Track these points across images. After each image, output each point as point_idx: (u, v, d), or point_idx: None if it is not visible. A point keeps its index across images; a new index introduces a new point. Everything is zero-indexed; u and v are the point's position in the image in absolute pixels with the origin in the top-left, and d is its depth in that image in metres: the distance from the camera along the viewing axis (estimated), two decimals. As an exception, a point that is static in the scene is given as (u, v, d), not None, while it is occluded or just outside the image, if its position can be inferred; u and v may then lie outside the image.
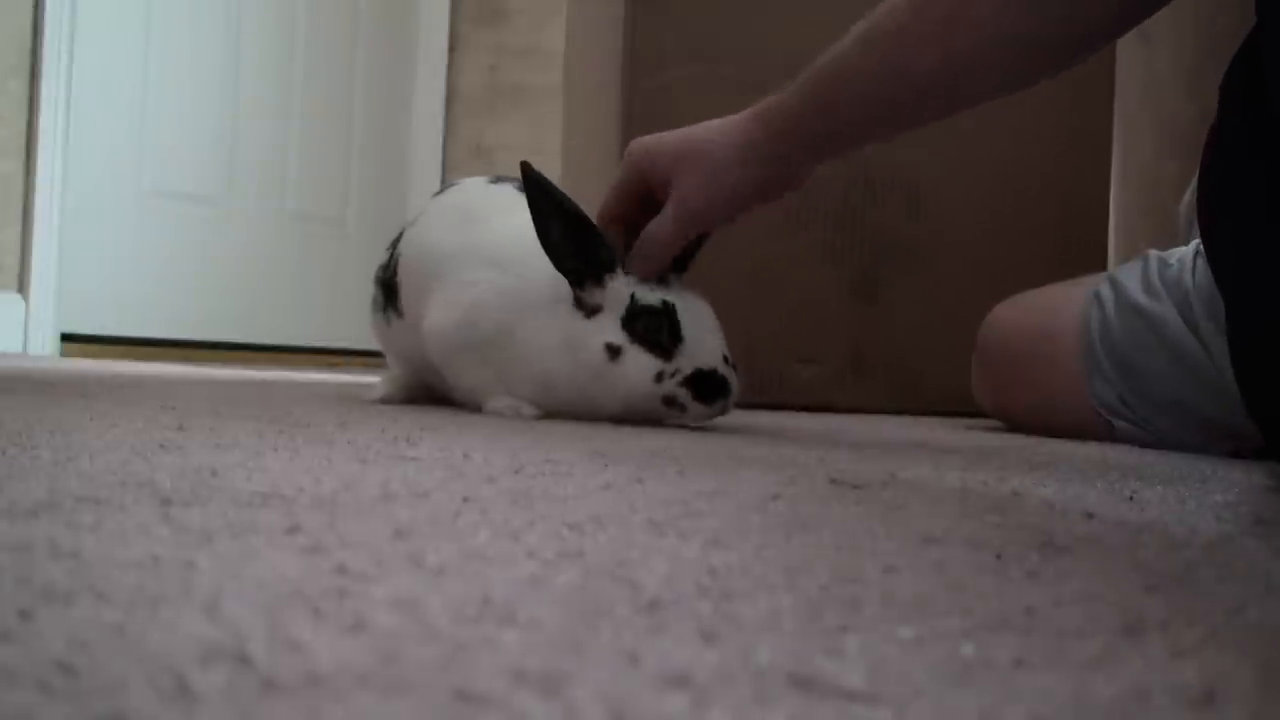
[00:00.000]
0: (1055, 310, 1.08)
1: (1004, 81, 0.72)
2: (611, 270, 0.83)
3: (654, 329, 0.81)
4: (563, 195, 0.83)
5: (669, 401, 0.82)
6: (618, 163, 1.47)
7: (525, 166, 0.83)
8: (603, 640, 0.22)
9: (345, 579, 0.26)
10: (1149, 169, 1.67)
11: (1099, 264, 1.47)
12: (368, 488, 0.41)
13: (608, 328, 0.82)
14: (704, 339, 0.82)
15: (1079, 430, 1.01)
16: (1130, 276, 1.01)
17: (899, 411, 1.44)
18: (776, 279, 1.43)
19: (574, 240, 0.82)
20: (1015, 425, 1.13)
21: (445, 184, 1.12)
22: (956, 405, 1.28)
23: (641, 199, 0.82)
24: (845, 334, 1.48)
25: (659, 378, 0.81)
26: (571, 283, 0.83)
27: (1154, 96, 1.64)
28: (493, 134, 2.91)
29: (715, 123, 0.80)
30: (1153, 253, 1.02)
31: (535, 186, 0.82)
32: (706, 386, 0.81)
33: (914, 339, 1.48)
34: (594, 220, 0.83)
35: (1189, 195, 1.04)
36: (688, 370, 0.81)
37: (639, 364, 0.81)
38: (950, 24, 0.68)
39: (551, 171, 1.98)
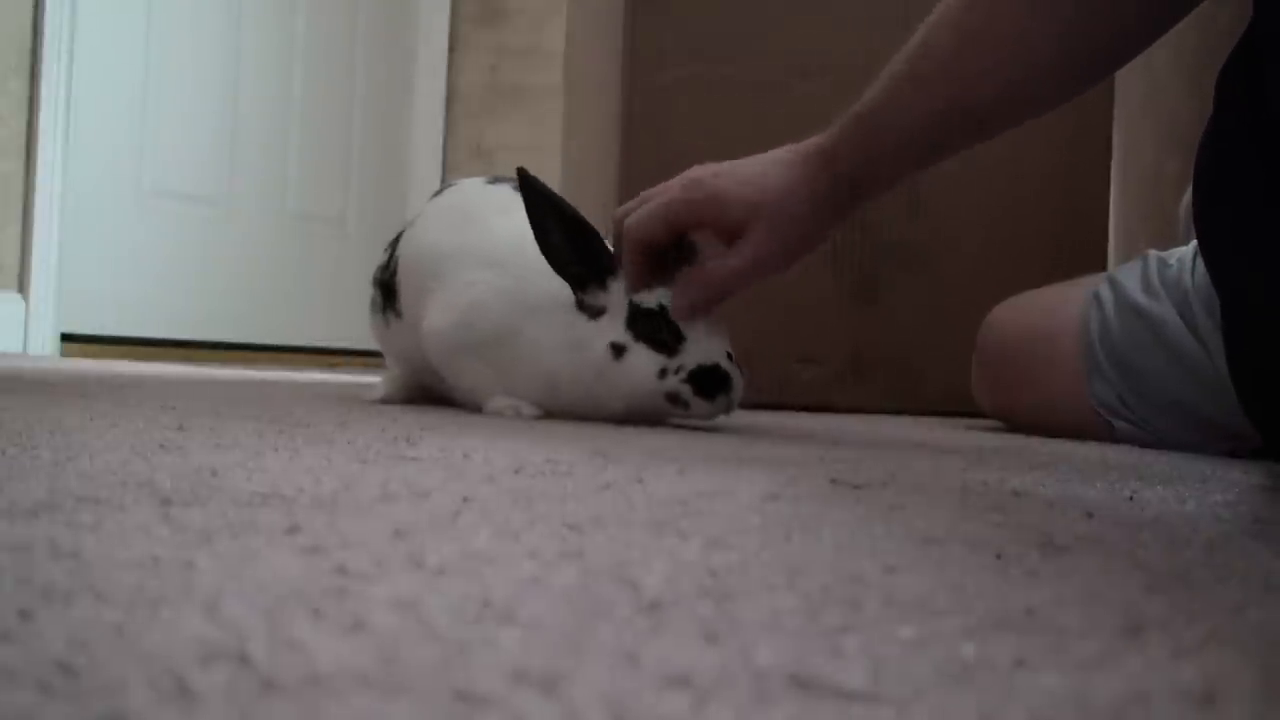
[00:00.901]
0: (1054, 311, 1.08)
1: (1059, 97, 0.74)
2: (613, 273, 0.83)
3: (656, 328, 0.82)
4: (560, 199, 0.82)
5: (672, 398, 0.82)
6: (618, 162, 1.48)
7: (522, 172, 0.83)
8: (603, 640, 0.22)
9: (345, 579, 0.26)
10: (1149, 169, 1.67)
11: (1098, 264, 1.47)
12: (368, 488, 0.40)
13: (612, 328, 0.82)
14: (706, 337, 0.82)
15: (1078, 430, 1.01)
16: (1129, 277, 1.01)
17: (899, 412, 1.44)
18: (776, 279, 1.43)
19: (574, 245, 0.82)
20: (1015, 426, 1.13)
21: (443, 185, 1.12)
22: (957, 405, 1.28)
23: (678, 233, 0.81)
24: (845, 334, 1.48)
25: (662, 374, 0.81)
26: (574, 287, 0.83)
27: (1154, 97, 1.63)
28: (493, 134, 2.91)
29: (773, 167, 0.78)
30: (1152, 253, 1.02)
31: (533, 192, 0.81)
32: (709, 382, 0.81)
33: (914, 339, 1.48)
34: (599, 228, 0.83)
35: (1188, 195, 1.04)
36: (690, 366, 0.81)
37: (642, 361, 0.82)
38: (1008, 53, 0.69)
39: (552, 171, 1.98)
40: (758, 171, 0.79)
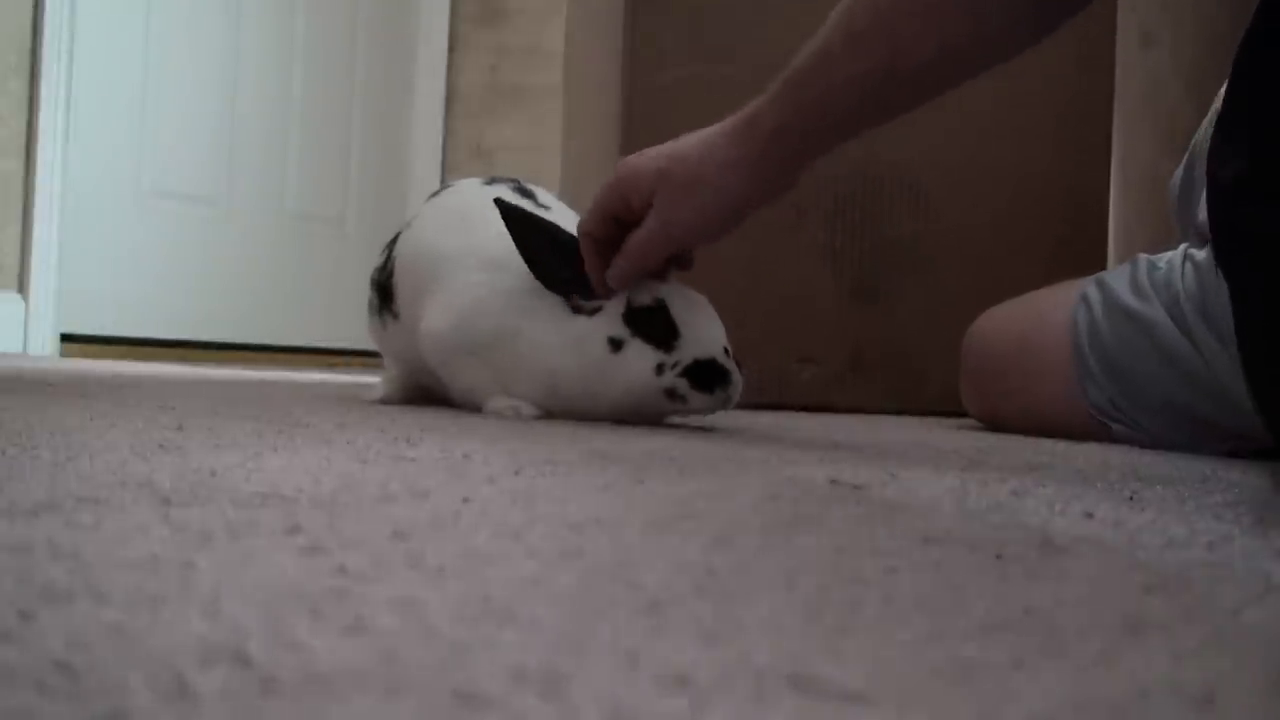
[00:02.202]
0: (1041, 316, 1.08)
1: (994, 58, 0.71)
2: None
3: (652, 324, 0.82)
4: (541, 220, 0.85)
5: (670, 394, 0.82)
6: (617, 162, 1.47)
7: (500, 203, 0.85)
8: (603, 640, 0.22)
9: (345, 579, 0.26)
10: (1149, 169, 1.67)
11: (1099, 264, 1.47)
12: (367, 488, 0.40)
13: (609, 323, 0.83)
14: (702, 331, 0.82)
15: (1070, 436, 1.01)
16: (1118, 279, 1.01)
17: (899, 412, 1.44)
18: (776, 278, 1.43)
19: (560, 258, 0.84)
20: (1000, 430, 1.13)
21: (441, 186, 1.12)
22: (957, 406, 1.28)
23: (618, 218, 0.81)
24: (845, 334, 1.48)
25: (659, 370, 0.82)
26: (565, 295, 0.84)
27: (1154, 97, 1.64)
28: (493, 134, 2.91)
29: (699, 136, 0.78)
30: (1141, 256, 1.02)
31: (514, 220, 0.84)
32: (706, 375, 0.81)
33: (914, 339, 1.48)
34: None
35: (1180, 171, 1.04)
36: (687, 361, 0.81)
37: (640, 356, 0.82)
38: (941, 16, 0.67)
39: (551, 171, 1.97)
40: (678, 144, 0.79)
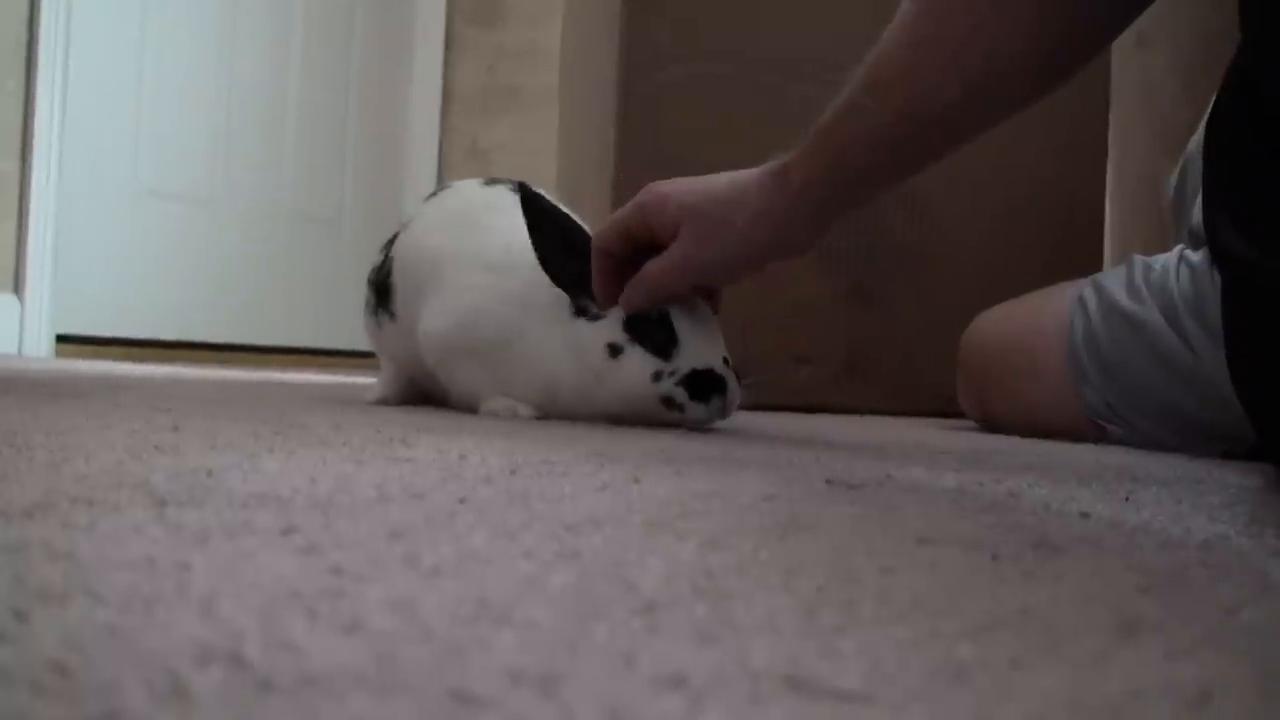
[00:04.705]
0: (1037, 318, 1.08)
1: (1022, 100, 0.71)
2: None
3: (652, 332, 0.82)
4: (558, 211, 0.85)
5: (667, 402, 0.82)
6: (614, 163, 1.47)
7: (524, 189, 0.84)
8: (599, 641, 0.22)
9: (341, 579, 0.26)
10: (1145, 171, 1.67)
11: (1095, 266, 1.47)
12: (363, 489, 0.40)
13: (610, 329, 0.83)
14: (701, 341, 0.83)
15: (1065, 437, 1.01)
16: (1114, 281, 1.01)
17: (895, 413, 1.44)
18: (772, 279, 1.43)
19: (571, 253, 0.83)
20: (997, 431, 1.13)
21: (439, 186, 1.12)
22: (953, 407, 1.28)
23: (636, 240, 0.81)
24: (841, 335, 1.48)
25: (657, 377, 0.82)
26: (570, 293, 0.84)
27: (1150, 99, 1.64)
28: (489, 134, 2.91)
29: (731, 180, 0.78)
30: (1137, 257, 1.02)
31: (532, 210, 0.83)
32: (702, 386, 0.81)
33: (910, 340, 1.48)
34: (596, 229, 0.84)
35: (1175, 173, 1.04)
36: (685, 370, 0.81)
37: (638, 363, 0.82)
38: (962, 58, 0.67)
39: (547, 172, 1.97)
40: (711, 181, 0.79)
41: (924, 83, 0.68)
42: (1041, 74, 0.69)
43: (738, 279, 0.82)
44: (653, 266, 0.80)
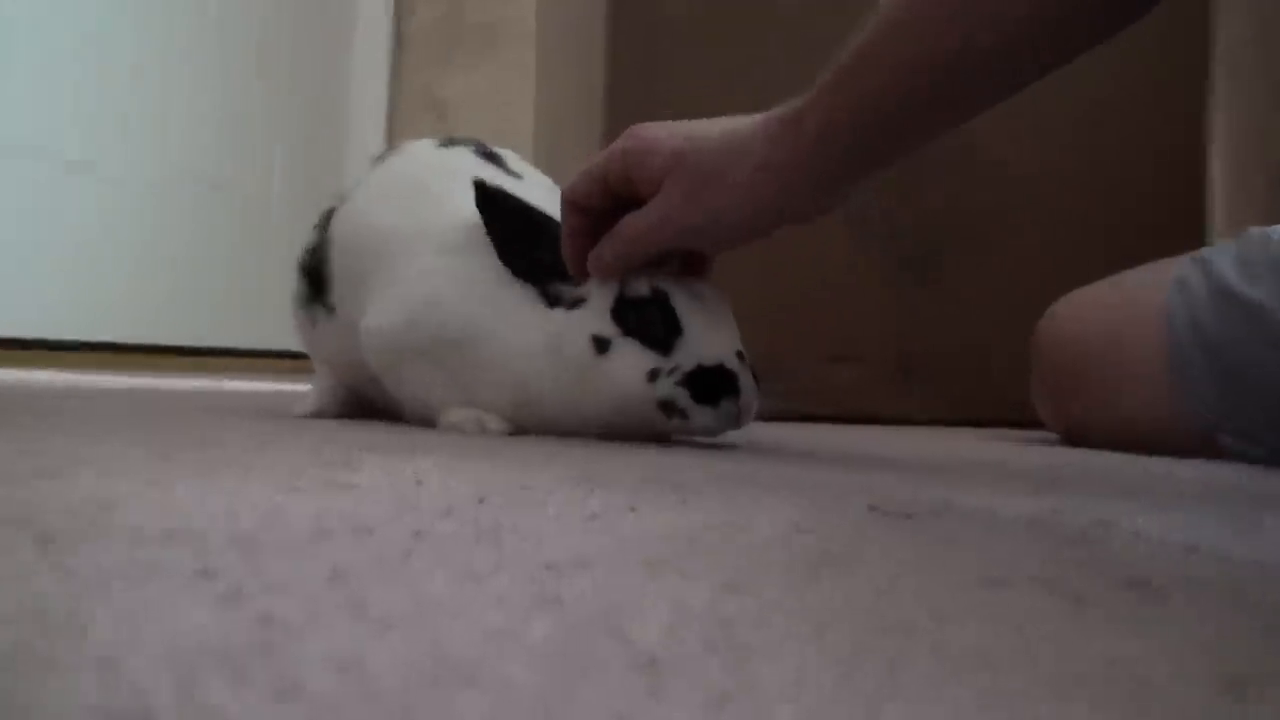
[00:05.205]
0: (1130, 302, 1.08)
1: (1038, 66, 0.71)
2: None
3: (647, 320, 0.82)
4: (520, 202, 0.86)
5: (666, 407, 0.82)
6: (603, 114, 1.48)
7: (480, 186, 0.85)
8: (587, 706, 0.22)
9: (271, 632, 0.26)
10: (1257, 121, 1.67)
11: (1196, 239, 1.47)
12: (298, 521, 0.41)
13: (594, 319, 0.83)
14: (709, 331, 0.82)
15: (1168, 450, 1.02)
16: (1223, 257, 1.01)
17: (956, 422, 1.44)
18: (803, 259, 1.44)
19: (535, 240, 0.85)
20: (1085, 444, 1.13)
21: (387, 149, 1.12)
22: (1028, 414, 1.28)
23: (615, 193, 0.82)
24: (890, 326, 1.48)
25: (653, 376, 0.81)
26: (534, 281, 0.85)
27: (1264, 36, 1.64)
28: (449, 84, 2.91)
29: (724, 126, 0.78)
30: (1253, 229, 1.02)
31: (488, 203, 0.85)
32: (710, 386, 0.81)
33: (975, 332, 1.48)
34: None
35: None
36: (688, 367, 0.81)
37: (629, 360, 0.82)
38: (965, 12, 0.67)
39: (523, 129, 1.97)
40: (709, 126, 0.79)
41: (924, 31, 0.68)
42: (1055, 38, 0.69)
43: (732, 245, 0.82)
44: (629, 222, 0.81)
